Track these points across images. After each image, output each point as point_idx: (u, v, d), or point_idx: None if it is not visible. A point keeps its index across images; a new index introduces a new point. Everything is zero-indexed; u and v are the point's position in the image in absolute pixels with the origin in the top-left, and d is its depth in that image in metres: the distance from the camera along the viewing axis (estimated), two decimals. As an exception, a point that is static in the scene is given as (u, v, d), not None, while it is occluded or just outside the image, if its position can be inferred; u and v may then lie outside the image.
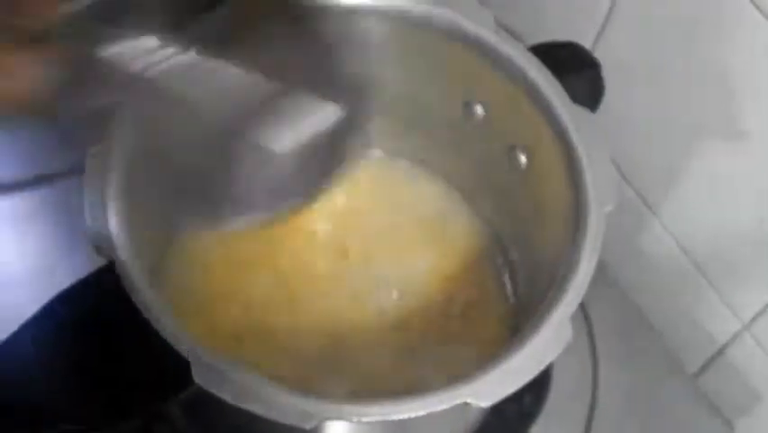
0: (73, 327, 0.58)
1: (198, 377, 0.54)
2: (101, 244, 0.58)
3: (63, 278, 0.58)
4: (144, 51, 0.56)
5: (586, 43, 0.84)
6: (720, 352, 0.85)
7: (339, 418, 0.55)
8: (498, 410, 0.67)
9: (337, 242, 0.79)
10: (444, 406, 0.56)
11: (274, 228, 0.78)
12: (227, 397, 0.54)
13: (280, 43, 0.68)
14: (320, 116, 0.62)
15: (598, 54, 0.76)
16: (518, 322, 0.75)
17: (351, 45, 0.74)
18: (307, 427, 0.54)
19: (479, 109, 0.75)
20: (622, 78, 0.80)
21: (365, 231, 0.80)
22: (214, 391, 0.54)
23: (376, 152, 0.83)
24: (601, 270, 0.63)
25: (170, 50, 0.57)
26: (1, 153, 0.87)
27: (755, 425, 0.84)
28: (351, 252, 0.79)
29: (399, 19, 0.71)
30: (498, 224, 0.80)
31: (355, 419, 0.55)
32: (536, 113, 0.69)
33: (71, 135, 0.79)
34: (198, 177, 0.62)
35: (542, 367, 0.58)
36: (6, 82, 0.49)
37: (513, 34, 0.70)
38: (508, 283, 0.79)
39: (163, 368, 0.55)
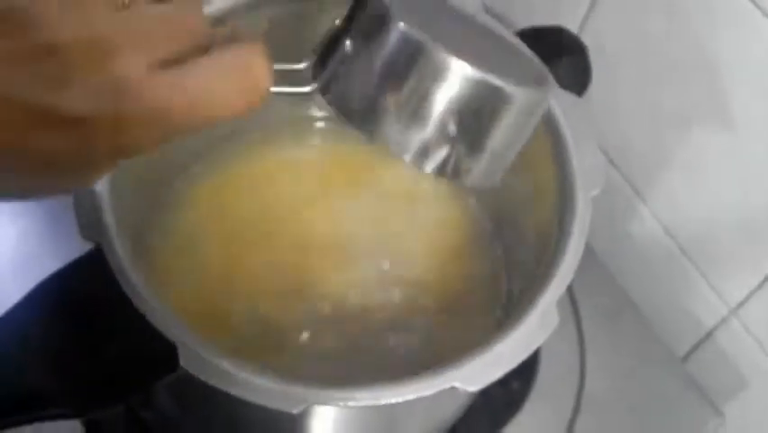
0: (60, 311, 0.57)
1: (185, 362, 0.54)
2: (88, 227, 0.58)
3: (50, 263, 0.58)
4: None
5: (573, 28, 0.84)
6: (707, 336, 0.85)
7: (326, 403, 0.55)
8: (485, 395, 0.67)
9: (329, 226, 0.79)
10: (432, 391, 0.56)
11: (263, 214, 0.78)
12: (214, 382, 0.53)
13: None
14: None
15: (585, 39, 0.76)
16: (509, 307, 0.75)
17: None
18: (294, 411, 0.54)
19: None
20: (609, 62, 0.80)
21: (355, 216, 0.79)
22: (200, 375, 0.53)
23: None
24: (588, 254, 0.63)
25: None
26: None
27: (743, 408, 0.85)
28: (342, 236, 0.79)
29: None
30: (487, 208, 0.80)
31: (342, 404, 0.55)
32: (523, 98, 0.69)
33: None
34: None
35: (529, 352, 0.58)
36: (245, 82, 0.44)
37: (500, 19, 0.70)
38: (499, 267, 0.79)
39: (150, 352, 0.55)
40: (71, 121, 0.39)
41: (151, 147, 0.42)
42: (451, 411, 0.74)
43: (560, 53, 0.73)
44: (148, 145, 0.42)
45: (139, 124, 0.41)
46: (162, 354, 0.54)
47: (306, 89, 0.50)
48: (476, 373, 0.57)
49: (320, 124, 0.83)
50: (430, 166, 0.50)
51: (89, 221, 0.58)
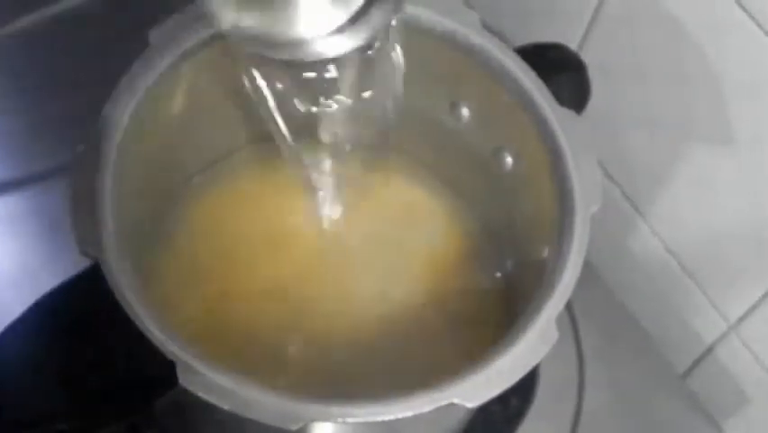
0: (59, 328, 0.58)
1: (184, 379, 0.54)
2: (87, 244, 0.58)
3: (49, 279, 0.58)
4: None
5: (572, 44, 0.84)
6: (707, 353, 0.85)
7: (325, 419, 0.55)
8: (484, 411, 0.67)
9: (327, 239, 0.79)
10: (431, 407, 0.56)
11: (264, 229, 0.78)
12: (212, 399, 0.54)
13: None
14: None
15: (585, 55, 0.76)
16: (508, 323, 0.75)
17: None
18: (293, 428, 0.54)
19: (464, 110, 0.75)
20: (609, 79, 0.81)
21: (354, 229, 0.79)
22: (199, 392, 0.54)
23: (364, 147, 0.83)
24: (587, 271, 0.63)
25: None
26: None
27: (743, 425, 0.85)
28: (341, 250, 0.79)
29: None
30: (487, 225, 0.80)
31: (341, 420, 0.55)
32: (522, 115, 0.69)
33: (56, 135, 0.79)
34: None
35: (528, 368, 0.58)
36: None
37: (499, 35, 0.70)
38: (498, 282, 0.79)
39: (149, 369, 0.55)
40: None
41: None
42: (450, 428, 0.74)
43: (559, 70, 0.73)
44: None
45: None
46: (161, 371, 0.54)
47: None
48: (475, 390, 0.57)
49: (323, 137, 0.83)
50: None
51: (88, 237, 0.58)
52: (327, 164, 0.79)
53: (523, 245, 0.74)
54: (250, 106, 0.76)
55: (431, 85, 0.76)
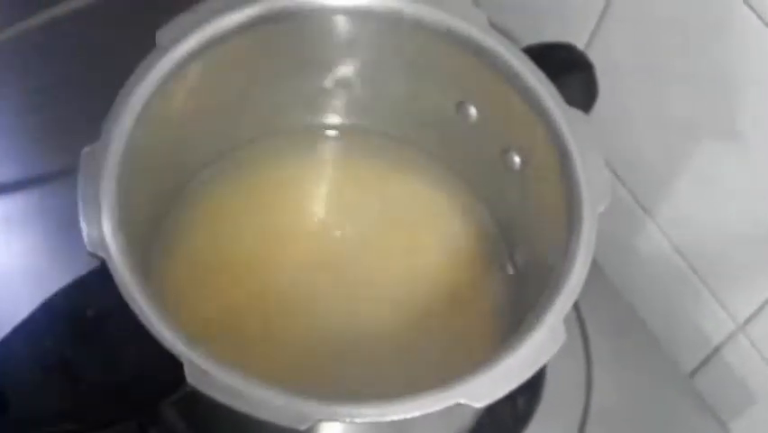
0: (67, 328, 0.58)
1: (191, 378, 0.54)
2: (95, 244, 0.58)
3: (56, 279, 0.58)
4: None
5: (580, 44, 0.84)
6: (714, 352, 0.85)
7: (333, 419, 0.55)
8: (492, 411, 0.67)
9: (334, 236, 0.79)
10: (438, 407, 0.56)
11: (268, 227, 0.78)
12: (220, 398, 0.54)
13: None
14: None
15: (592, 55, 0.76)
16: (515, 322, 0.75)
17: (345, 45, 0.74)
18: (301, 428, 0.54)
19: (472, 110, 0.75)
20: (616, 78, 0.81)
21: (363, 223, 0.79)
22: (207, 392, 0.54)
23: (374, 140, 0.83)
24: (595, 270, 0.63)
25: None
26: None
27: (750, 425, 0.84)
28: (347, 246, 0.78)
29: (392, 20, 0.71)
30: (499, 220, 0.80)
31: (349, 420, 0.55)
32: (530, 114, 0.69)
33: (63, 136, 0.79)
34: None
35: (536, 368, 0.58)
36: None
37: (506, 35, 0.70)
38: (508, 280, 0.79)
39: (157, 368, 0.55)
40: None
41: None
42: (457, 428, 0.74)
43: (566, 70, 0.73)
44: None
45: None
46: (169, 370, 0.54)
47: None
48: (483, 390, 0.57)
49: (332, 133, 0.83)
50: None
51: (96, 237, 0.58)
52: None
53: (533, 244, 0.74)
54: (253, 104, 0.77)
55: (438, 85, 0.76)
